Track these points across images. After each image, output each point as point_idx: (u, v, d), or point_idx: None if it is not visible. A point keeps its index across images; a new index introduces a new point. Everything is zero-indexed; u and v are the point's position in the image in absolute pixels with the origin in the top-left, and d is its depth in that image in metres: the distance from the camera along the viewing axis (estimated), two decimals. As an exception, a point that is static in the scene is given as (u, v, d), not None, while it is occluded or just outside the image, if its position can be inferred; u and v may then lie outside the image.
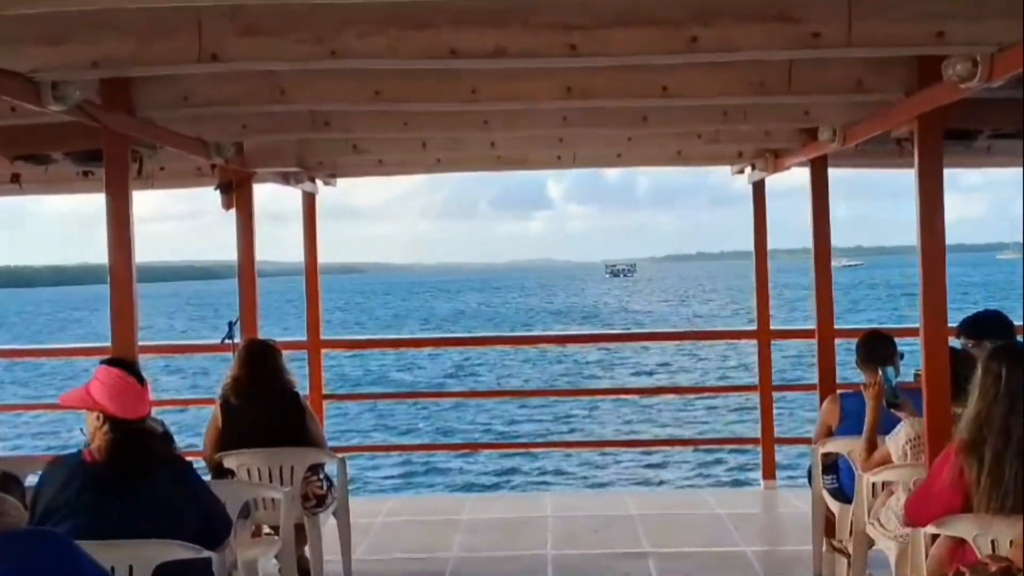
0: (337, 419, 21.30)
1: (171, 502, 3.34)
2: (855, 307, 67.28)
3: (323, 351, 7.62)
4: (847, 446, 4.91)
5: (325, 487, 5.21)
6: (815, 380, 6.32)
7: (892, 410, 4.62)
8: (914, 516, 3.52)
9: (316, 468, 5.18)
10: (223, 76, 4.18)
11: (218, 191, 6.06)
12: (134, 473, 3.31)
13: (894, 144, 5.33)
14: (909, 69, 4.16)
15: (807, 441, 5.75)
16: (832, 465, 5.12)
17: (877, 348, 4.97)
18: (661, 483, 16.22)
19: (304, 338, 7.50)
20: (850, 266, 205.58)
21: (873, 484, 4.47)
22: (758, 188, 6.90)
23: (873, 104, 4.67)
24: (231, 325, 6.13)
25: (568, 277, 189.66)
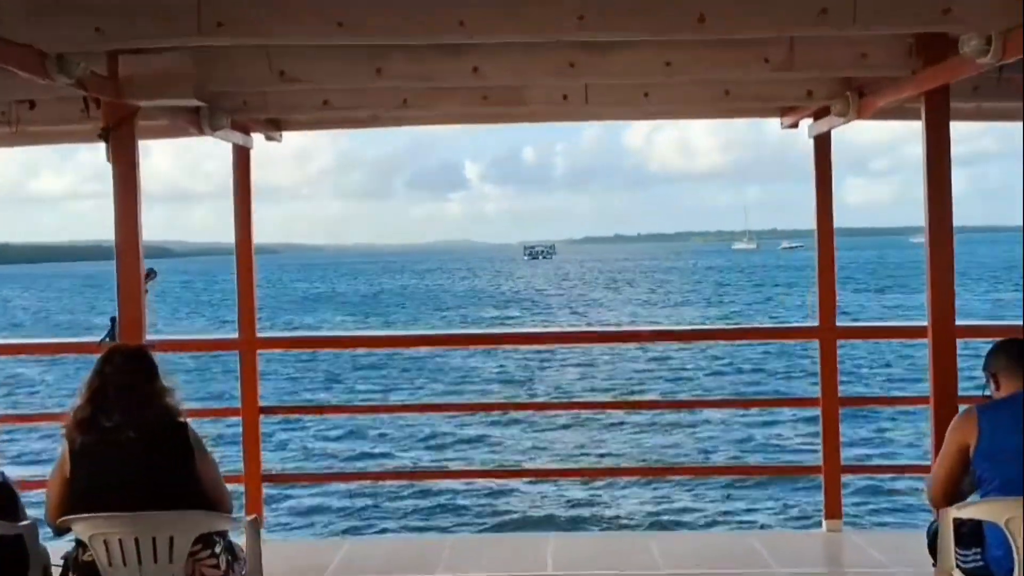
0: (276, 434, 18.64)
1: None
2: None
3: (259, 352, 5.85)
4: (1006, 511, 3.28)
5: (224, 564, 3.49)
6: (870, 390, 4.88)
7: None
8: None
9: (210, 538, 3.44)
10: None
11: (103, 140, 4.30)
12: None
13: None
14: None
15: (880, 470, 4.24)
16: (973, 533, 3.55)
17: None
18: (683, 511, 13.82)
19: (235, 335, 5.75)
20: (790, 248, 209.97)
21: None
22: (822, 145, 5.34)
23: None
24: (113, 321, 4.39)
25: (487, 259, 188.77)
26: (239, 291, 5.69)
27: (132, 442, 3.39)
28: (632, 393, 23.35)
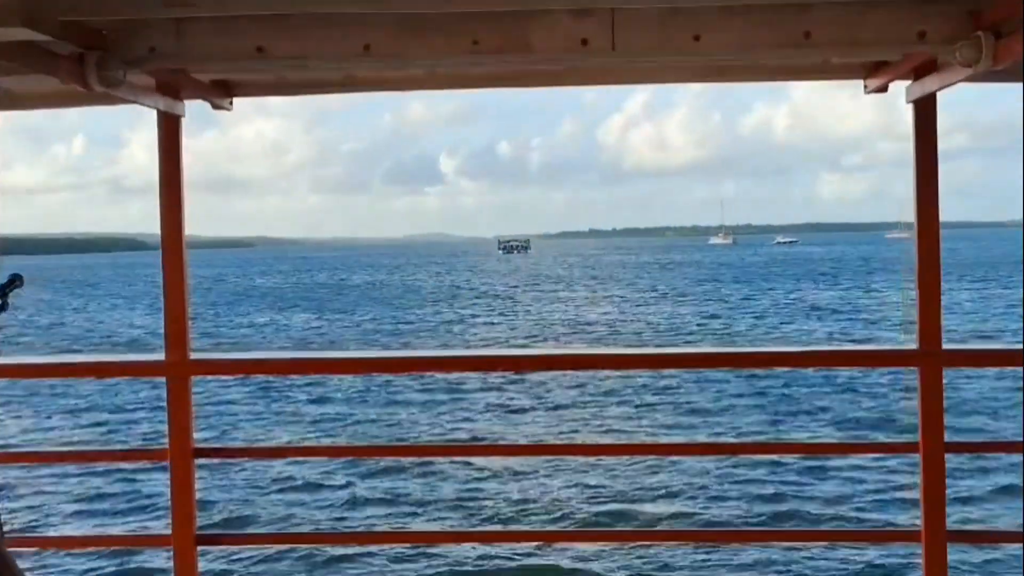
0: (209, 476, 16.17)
1: None
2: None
3: (193, 378, 4.48)
4: None
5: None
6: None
7: None
8: None
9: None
10: None
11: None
12: None
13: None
14: None
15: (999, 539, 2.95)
16: None
17: None
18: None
19: (161, 357, 4.40)
20: (784, 243, 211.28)
21: None
22: (925, 112, 4.02)
23: None
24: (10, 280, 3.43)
25: (463, 253, 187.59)
26: (166, 300, 4.34)
27: None
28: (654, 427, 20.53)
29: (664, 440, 19.68)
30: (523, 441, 20.12)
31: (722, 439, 20.21)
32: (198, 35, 3.54)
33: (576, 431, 21.24)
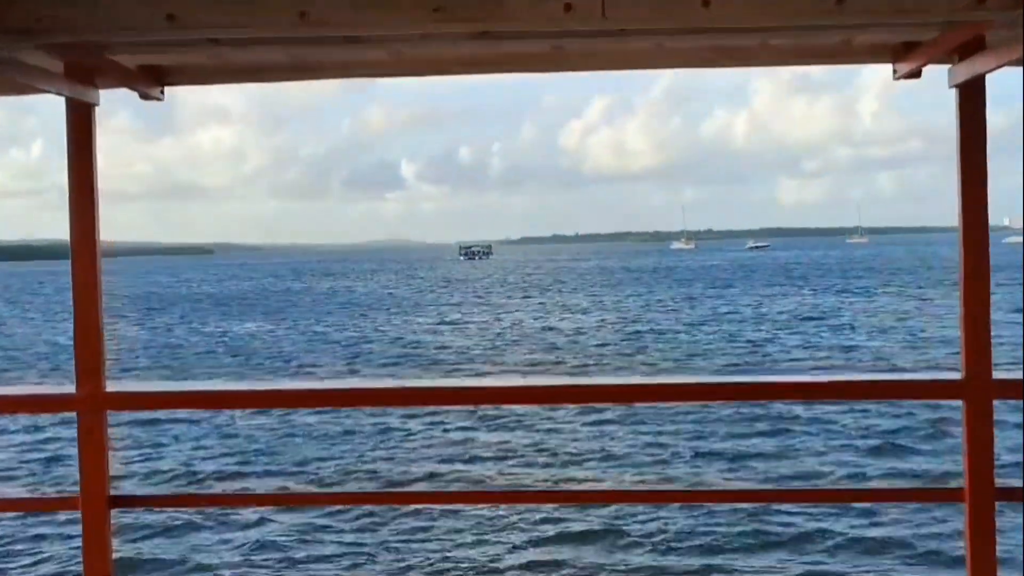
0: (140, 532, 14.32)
1: None
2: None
3: (108, 413, 3.78)
4: None
5: None
6: None
7: None
8: None
9: None
10: None
11: None
12: None
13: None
14: None
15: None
16: None
17: None
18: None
19: (72, 390, 3.70)
20: (757, 247, 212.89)
21: None
22: (971, 97, 3.42)
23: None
24: None
25: (416, 260, 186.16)
26: (76, 322, 3.66)
27: None
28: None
29: (646, 474, 18.02)
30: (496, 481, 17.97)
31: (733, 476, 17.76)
32: (97, 3, 2.88)
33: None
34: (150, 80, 3.79)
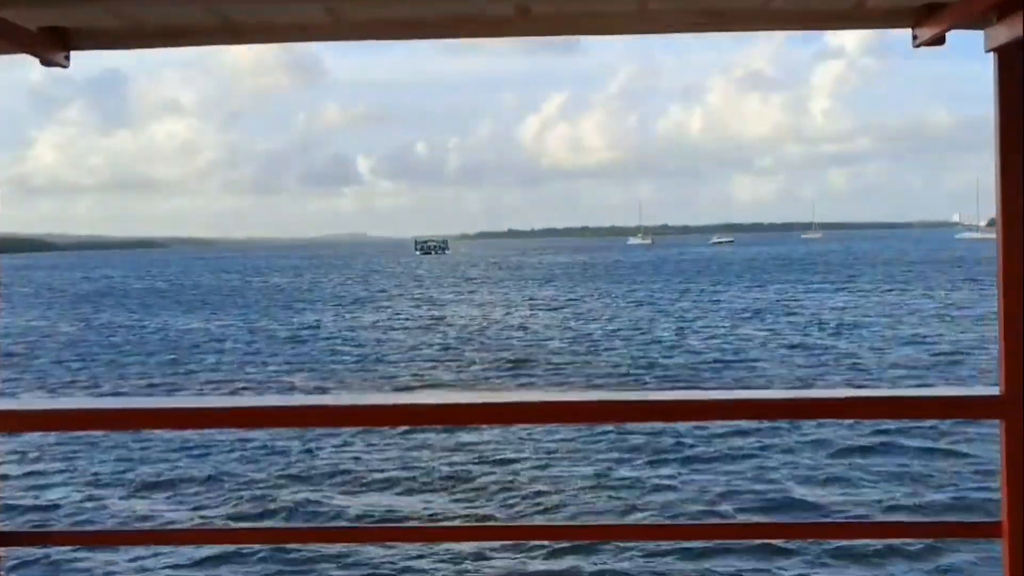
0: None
1: None
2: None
3: None
4: None
5: None
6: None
7: None
8: None
9: None
10: None
11: None
12: None
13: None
14: None
15: None
16: None
17: None
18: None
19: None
20: (721, 243, 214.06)
21: None
22: (1009, 64, 2.92)
23: None
24: None
25: (360, 255, 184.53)
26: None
27: None
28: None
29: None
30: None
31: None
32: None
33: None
34: (53, 44, 3.22)
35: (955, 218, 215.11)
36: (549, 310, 51.68)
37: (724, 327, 40.80)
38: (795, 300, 54.13)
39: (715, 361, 30.89)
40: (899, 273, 76.45)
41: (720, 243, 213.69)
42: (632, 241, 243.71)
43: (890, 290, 59.13)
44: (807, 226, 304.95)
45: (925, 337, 35.24)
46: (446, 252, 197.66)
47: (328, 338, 40.58)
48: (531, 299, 59.89)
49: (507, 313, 50.32)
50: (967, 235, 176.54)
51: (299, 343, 38.98)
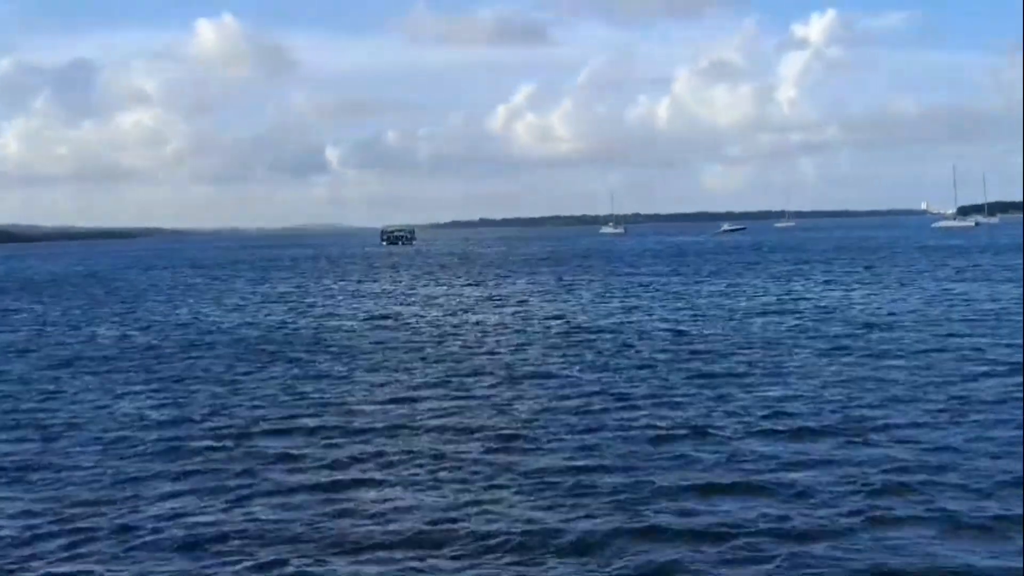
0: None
1: None
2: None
3: None
4: None
5: None
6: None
7: None
8: None
9: None
10: None
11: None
12: None
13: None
14: None
15: None
16: None
17: None
18: None
19: None
20: (732, 231, 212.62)
21: None
22: None
23: None
24: None
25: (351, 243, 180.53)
26: None
27: None
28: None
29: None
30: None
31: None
32: None
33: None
34: None
35: (923, 206, 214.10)
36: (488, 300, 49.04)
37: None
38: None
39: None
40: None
41: (730, 231, 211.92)
42: (604, 230, 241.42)
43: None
44: (780, 214, 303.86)
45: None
46: (413, 243, 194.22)
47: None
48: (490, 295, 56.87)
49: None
50: (943, 223, 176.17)
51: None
